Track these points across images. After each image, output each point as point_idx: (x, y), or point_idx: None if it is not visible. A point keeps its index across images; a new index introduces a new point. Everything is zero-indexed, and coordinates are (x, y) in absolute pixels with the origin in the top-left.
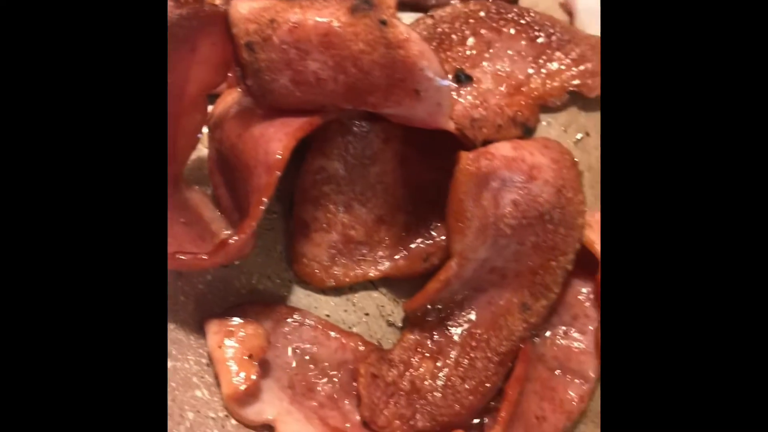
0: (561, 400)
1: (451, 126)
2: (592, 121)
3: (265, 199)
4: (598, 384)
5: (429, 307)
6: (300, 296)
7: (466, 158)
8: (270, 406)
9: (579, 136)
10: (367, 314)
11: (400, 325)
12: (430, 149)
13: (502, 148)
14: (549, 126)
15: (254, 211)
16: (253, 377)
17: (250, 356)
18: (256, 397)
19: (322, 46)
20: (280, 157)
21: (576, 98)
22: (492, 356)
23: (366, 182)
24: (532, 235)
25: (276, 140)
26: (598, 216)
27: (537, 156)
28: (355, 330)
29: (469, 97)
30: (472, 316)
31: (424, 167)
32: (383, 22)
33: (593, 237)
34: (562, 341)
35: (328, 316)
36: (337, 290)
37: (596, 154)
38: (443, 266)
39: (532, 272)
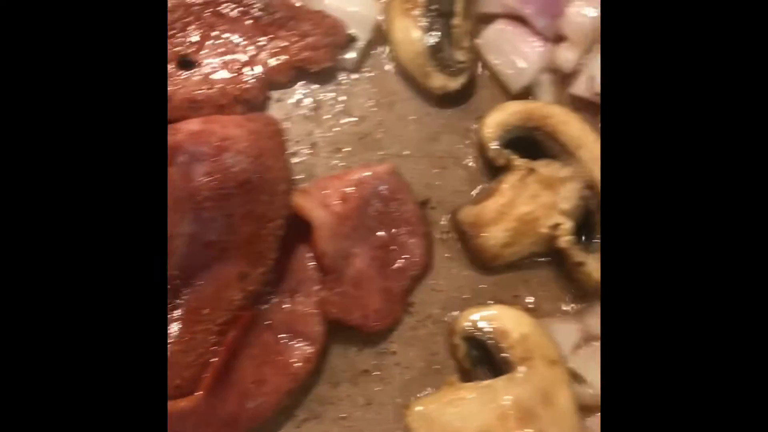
0: (285, 363)
1: None
2: (323, 93)
3: None
4: (324, 344)
5: None
6: None
7: None
8: None
9: (311, 108)
10: None
11: None
12: None
13: (190, 124)
14: (281, 102)
15: None
16: None
17: None
18: None
19: None
20: None
21: (306, 73)
22: (212, 327)
23: None
24: (239, 205)
25: None
26: (322, 183)
27: (231, 128)
28: None
29: (193, 80)
30: (197, 293)
31: None
32: None
33: (305, 203)
34: (288, 306)
35: None
36: None
37: (329, 123)
38: None
39: (247, 242)
